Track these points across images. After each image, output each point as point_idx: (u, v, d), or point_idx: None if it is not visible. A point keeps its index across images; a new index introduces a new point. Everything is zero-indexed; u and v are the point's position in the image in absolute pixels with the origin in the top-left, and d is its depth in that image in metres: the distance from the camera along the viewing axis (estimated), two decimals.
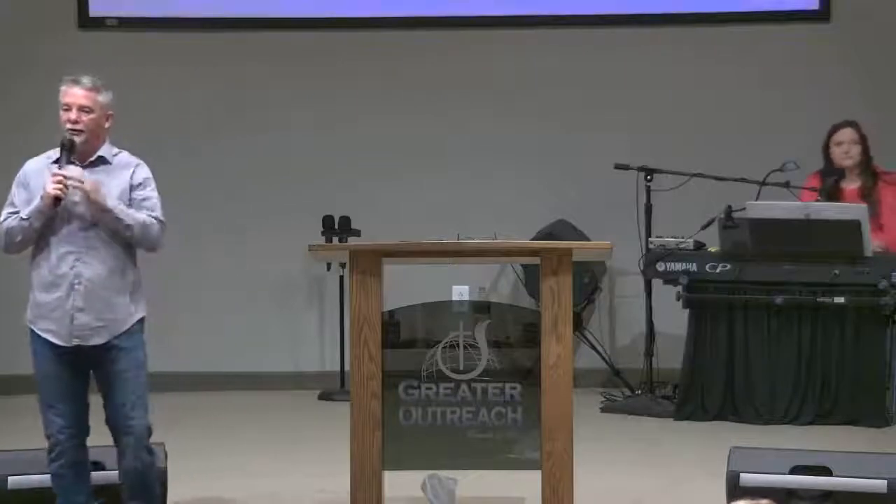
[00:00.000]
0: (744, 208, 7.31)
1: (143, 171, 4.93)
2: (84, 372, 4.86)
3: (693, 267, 7.44)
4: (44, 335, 4.81)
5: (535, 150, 8.74)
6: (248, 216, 8.71)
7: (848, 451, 5.32)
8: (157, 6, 8.83)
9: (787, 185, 7.53)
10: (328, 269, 8.33)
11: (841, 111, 7.72)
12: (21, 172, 4.94)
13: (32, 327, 4.84)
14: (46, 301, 4.80)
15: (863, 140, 7.47)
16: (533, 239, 7.87)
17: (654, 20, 8.84)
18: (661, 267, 7.53)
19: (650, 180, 7.83)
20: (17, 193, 4.89)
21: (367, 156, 8.76)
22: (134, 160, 4.94)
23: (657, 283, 7.70)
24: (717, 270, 7.42)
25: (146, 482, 4.88)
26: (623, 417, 7.64)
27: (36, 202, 4.76)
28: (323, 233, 8.34)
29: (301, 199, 8.61)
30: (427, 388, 4.92)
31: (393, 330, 5.00)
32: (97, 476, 5.00)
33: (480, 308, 5.17)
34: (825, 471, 4.92)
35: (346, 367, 7.21)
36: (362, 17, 8.83)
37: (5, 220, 4.85)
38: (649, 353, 7.84)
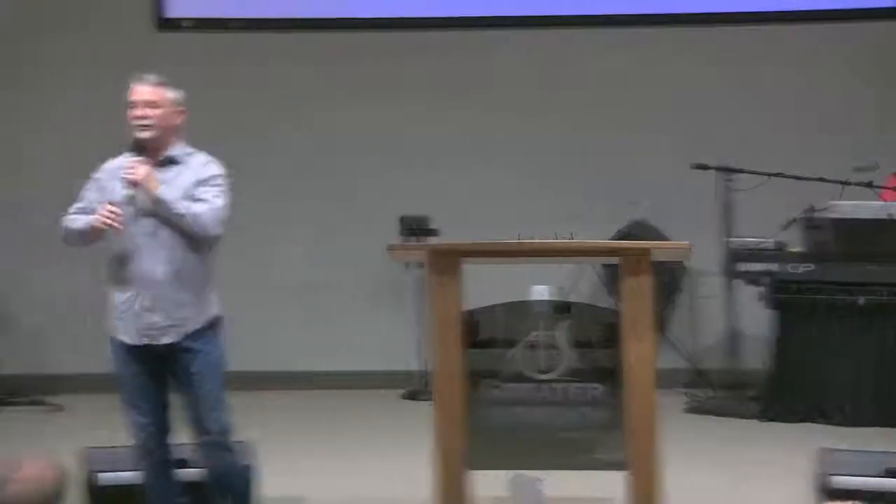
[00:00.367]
0: (826, 208, 7.22)
1: (213, 168, 4.89)
2: (161, 372, 4.86)
3: (775, 267, 7.38)
4: (118, 333, 4.83)
5: (611, 151, 8.72)
6: (328, 217, 8.75)
7: None
8: (232, 7, 8.90)
9: (870, 185, 7.43)
10: (406, 267, 8.34)
11: None
12: (98, 172, 4.95)
13: (110, 325, 4.87)
14: (119, 301, 4.81)
15: None
16: (611, 239, 7.82)
17: (734, 19, 8.77)
18: (742, 267, 7.47)
19: (730, 180, 7.76)
20: (90, 188, 4.91)
21: (445, 156, 8.79)
22: (207, 159, 4.91)
23: (737, 283, 7.63)
24: (800, 271, 7.35)
25: (228, 480, 4.91)
26: (708, 418, 7.58)
27: (89, 219, 4.76)
28: (401, 233, 8.36)
29: (379, 199, 8.63)
30: (509, 388, 4.88)
31: (473, 329, 4.97)
32: (183, 473, 5.03)
33: (561, 308, 5.12)
34: None
35: (429, 367, 7.21)
36: (450, 16, 8.90)
37: (70, 215, 4.88)
38: (732, 354, 7.77)
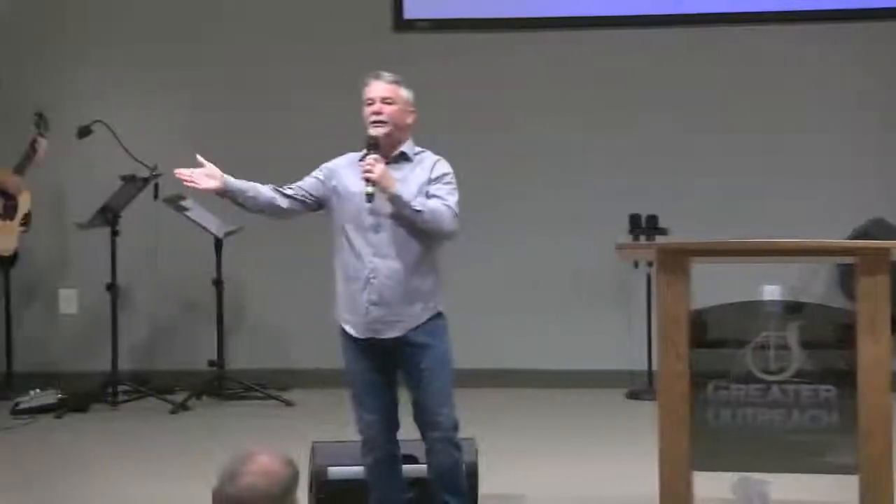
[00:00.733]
0: None
1: (443, 167, 4.93)
2: (389, 367, 4.90)
3: None
4: (345, 326, 4.90)
5: (851, 151, 8.55)
6: (557, 215, 8.76)
7: None
8: (468, 8, 8.98)
9: None
10: (636, 266, 8.30)
11: None
12: (330, 163, 5.02)
13: (338, 319, 4.95)
14: (346, 293, 4.88)
15: None
16: (848, 238, 7.65)
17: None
18: None
19: None
20: (314, 174, 4.99)
21: (675, 154, 8.72)
22: (435, 157, 4.96)
23: None
24: None
25: (454, 476, 4.92)
26: None
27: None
28: (630, 231, 8.32)
29: (608, 197, 8.61)
30: (737, 389, 4.81)
31: (700, 329, 4.91)
32: (409, 469, 5.07)
33: (792, 308, 5.03)
34: None
35: (654, 366, 7.16)
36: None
37: (284, 188, 4.97)
38: None
